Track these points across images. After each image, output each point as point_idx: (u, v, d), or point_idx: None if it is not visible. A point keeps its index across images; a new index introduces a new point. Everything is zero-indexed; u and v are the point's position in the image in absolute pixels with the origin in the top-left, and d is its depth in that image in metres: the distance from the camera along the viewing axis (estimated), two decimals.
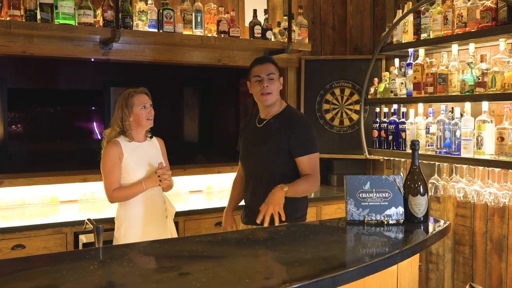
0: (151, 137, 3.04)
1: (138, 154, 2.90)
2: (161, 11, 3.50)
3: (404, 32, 3.68)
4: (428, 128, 3.41)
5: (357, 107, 4.27)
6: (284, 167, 2.75)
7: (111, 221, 3.00)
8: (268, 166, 2.77)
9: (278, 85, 2.81)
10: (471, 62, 3.13)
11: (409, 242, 2.09)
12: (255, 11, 3.90)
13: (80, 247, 3.04)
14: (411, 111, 3.61)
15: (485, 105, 3.04)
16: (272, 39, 3.94)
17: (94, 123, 7.36)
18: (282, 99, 2.89)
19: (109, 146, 2.87)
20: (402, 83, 3.65)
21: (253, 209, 2.82)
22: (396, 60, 3.82)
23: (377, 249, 2.01)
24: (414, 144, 2.32)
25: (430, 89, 3.35)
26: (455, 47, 3.27)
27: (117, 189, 2.84)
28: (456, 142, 3.20)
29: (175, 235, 3.02)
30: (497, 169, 3.02)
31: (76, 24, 3.24)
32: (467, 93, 3.10)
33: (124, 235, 2.84)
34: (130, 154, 2.86)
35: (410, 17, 3.60)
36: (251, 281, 1.62)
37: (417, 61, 3.49)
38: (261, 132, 2.82)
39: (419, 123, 3.52)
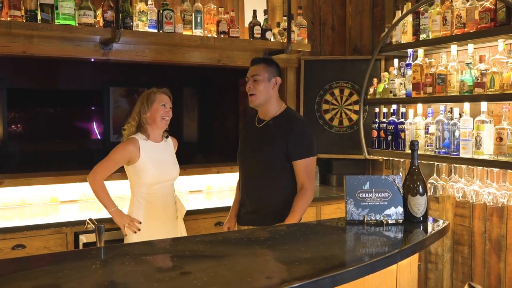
0: (167, 137, 3.07)
1: (155, 154, 2.92)
2: (161, 11, 3.51)
3: (403, 33, 3.69)
4: (427, 128, 3.42)
5: (356, 107, 4.28)
6: (280, 169, 2.74)
7: (111, 221, 3.00)
8: (265, 167, 2.76)
9: (265, 86, 2.75)
10: (470, 63, 3.15)
11: (408, 242, 2.10)
12: (254, 11, 3.91)
13: (80, 247, 3.05)
14: (410, 111, 3.62)
15: (483, 105, 3.05)
16: (272, 40, 3.95)
17: (94, 123, 7.36)
18: (281, 101, 2.87)
19: (128, 143, 2.88)
20: (401, 84, 3.66)
21: (248, 209, 2.83)
22: (395, 61, 3.84)
23: (376, 248, 2.02)
24: (414, 145, 2.33)
25: (429, 90, 3.36)
26: (454, 47, 3.29)
27: (102, 184, 2.86)
28: (455, 142, 3.21)
29: (185, 234, 3.05)
30: (495, 169, 3.03)
31: (77, 24, 3.25)
32: (466, 94, 3.11)
33: (137, 236, 2.85)
34: (146, 154, 2.88)
35: (409, 18, 3.61)
36: (252, 280, 1.63)
37: (416, 62, 3.50)
38: (260, 133, 2.81)
39: (418, 123, 3.53)
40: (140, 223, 2.86)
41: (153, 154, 2.91)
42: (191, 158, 5.88)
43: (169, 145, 3.08)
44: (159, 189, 2.93)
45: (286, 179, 2.74)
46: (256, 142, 2.82)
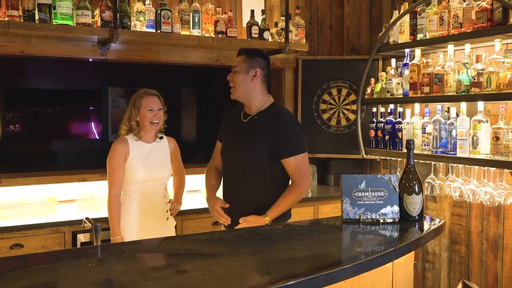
0: (161, 138, 3.05)
1: (144, 154, 2.92)
2: (158, 11, 3.51)
3: (400, 33, 3.70)
4: (424, 128, 3.43)
5: (354, 107, 4.29)
6: (266, 168, 2.64)
7: (108, 220, 3.00)
8: (250, 166, 2.66)
9: (243, 78, 2.64)
10: (467, 63, 3.16)
11: (404, 240, 2.10)
12: (252, 11, 3.92)
13: (78, 246, 3.05)
14: (408, 111, 3.63)
15: (480, 105, 3.06)
16: (270, 40, 3.95)
17: (92, 123, 7.37)
18: (268, 94, 2.74)
19: (116, 143, 2.90)
20: (398, 83, 3.67)
21: (233, 211, 2.71)
22: (393, 60, 3.85)
23: (372, 247, 2.03)
24: (409, 144, 2.34)
25: (426, 89, 3.37)
26: (451, 47, 3.30)
27: (117, 204, 2.86)
28: (452, 142, 3.22)
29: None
30: (492, 169, 3.04)
31: (74, 24, 3.25)
32: (462, 93, 3.12)
33: (122, 233, 2.86)
34: (136, 153, 2.88)
35: (407, 18, 3.62)
36: (247, 278, 1.64)
37: (413, 61, 3.51)
38: (245, 128, 2.70)
39: (416, 123, 3.54)
40: None
41: (142, 153, 2.91)
42: (189, 158, 5.89)
43: (163, 146, 3.05)
44: (148, 188, 2.92)
45: (272, 179, 2.65)
46: (240, 139, 2.71)
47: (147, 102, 2.89)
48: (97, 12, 3.37)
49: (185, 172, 3.25)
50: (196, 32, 3.68)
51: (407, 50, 3.67)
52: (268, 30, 3.96)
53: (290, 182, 2.74)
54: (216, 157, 2.92)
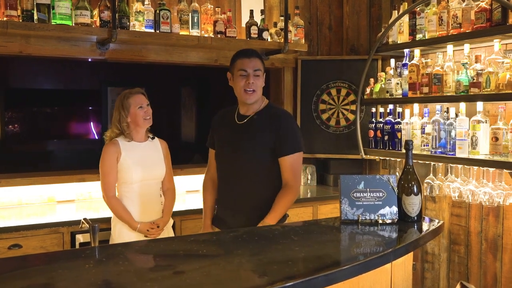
0: (152, 138, 3.05)
1: (137, 153, 2.91)
2: (157, 11, 3.51)
3: (399, 33, 3.70)
4: (424, 128, 3.42)
5: (353, 107, 4.29)
6: (267, 167, 2.63)
7: (107, 220, 3.01)
8: (250, 164, 2.64)
9: (262, 82, 2.66)
10: (466, 63, 3.15)
11: (402, 241, 2.10)
12: (251, 11, 3.91)
13: (77, 246, 3.05)
14: (407, 111, 3.63)
15: (479, 105, 3.05)
16: (269, 40, 3.95)
17: (91, 123, 7.38)
18: (263, 95, 2.74)
19: (107, 146, 2.89)
20: (397, 84, 3.67)
21: (231, 212, 2.70)
22: (392, 61, 3.84)
23: (370, 248, 2.03)
24: (408, 144, 2.34)
25: (426, 90, 3.37)
26: (450, 47, 3.29)
27: (118, 202, 2.87)
28: (451, 142, 3.22)
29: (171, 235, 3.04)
30: (491, 169, 3.04)
31: (73, 24, 3.25)
32: (462, 94, 3.12)
33: (119, 235, 2.86)
34: (128, 153, 2.88)
35: (406, 18, 3.62)
36: (245, 280, 1.63)
37: (412, 62, 3.51)
38: (243, 129, 2.67)
39: (415, 123, 3.53)
40: (158, 226, 2.91)
41: (135, 153, 2.91)
42: (189, 158, 5.89)
43: (156, 146, 3.05)
44: (144, 187, 2.92)
45: (273, 178, 2.64)
46: (240, 139, 2.67)
47: (135, 101, 2.89)
48: (96, 12, 3.37)
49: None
50: (195, 32, 3.67)
51: (406, 50, 3.67)
52: (267, 30, 3.95)
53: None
54: (211, 167, 2.87)
